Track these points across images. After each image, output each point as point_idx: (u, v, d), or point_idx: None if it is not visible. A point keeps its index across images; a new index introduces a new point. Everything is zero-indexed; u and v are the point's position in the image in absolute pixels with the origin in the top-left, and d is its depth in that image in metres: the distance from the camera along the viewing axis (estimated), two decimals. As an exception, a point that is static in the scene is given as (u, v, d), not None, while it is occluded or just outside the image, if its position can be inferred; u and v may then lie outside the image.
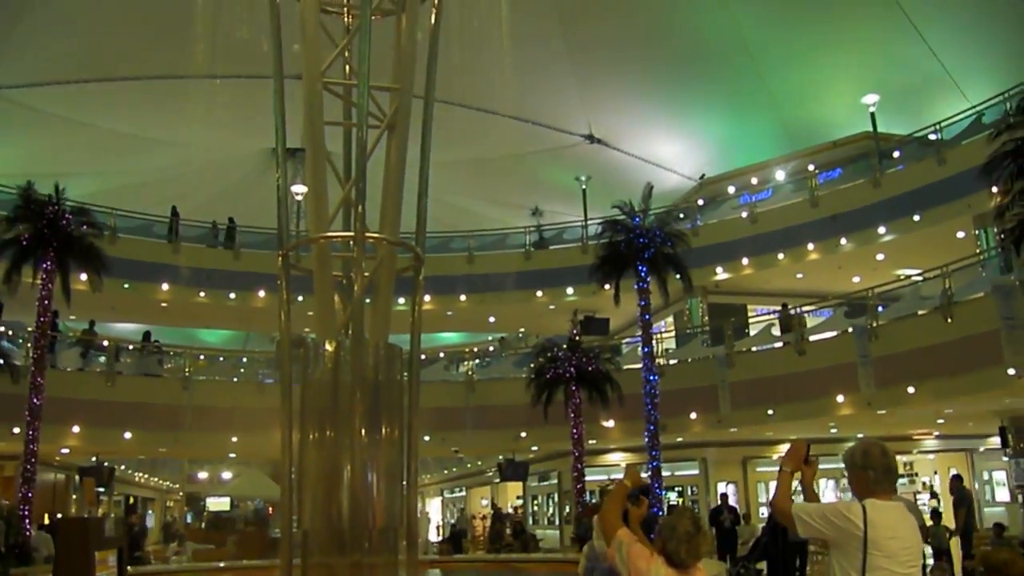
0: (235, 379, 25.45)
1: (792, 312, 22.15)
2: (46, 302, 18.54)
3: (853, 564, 3.67)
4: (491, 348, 36.37)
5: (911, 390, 17.70)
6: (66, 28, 23.96)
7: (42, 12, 22.82)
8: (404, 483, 7.79)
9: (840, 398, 19.34)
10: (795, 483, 4.16)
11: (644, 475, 22.99)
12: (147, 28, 24.77)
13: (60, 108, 26.35)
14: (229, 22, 24.47)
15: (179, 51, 25.45)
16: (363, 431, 7.43)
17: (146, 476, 40.08)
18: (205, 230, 28.03)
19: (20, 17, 22.82)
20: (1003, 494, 25.70)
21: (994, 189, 17.89)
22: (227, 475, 43.50)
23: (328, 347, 7.64)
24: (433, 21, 8.79)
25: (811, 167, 26.12)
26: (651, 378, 20.05)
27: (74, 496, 28.33)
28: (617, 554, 3.87)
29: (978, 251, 20.92)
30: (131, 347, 25.05)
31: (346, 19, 9.13)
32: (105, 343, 23.74)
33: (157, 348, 25.01)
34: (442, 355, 30.08)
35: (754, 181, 28.40)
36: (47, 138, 28.07)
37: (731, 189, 29.15)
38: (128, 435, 21.62)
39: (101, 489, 24.64)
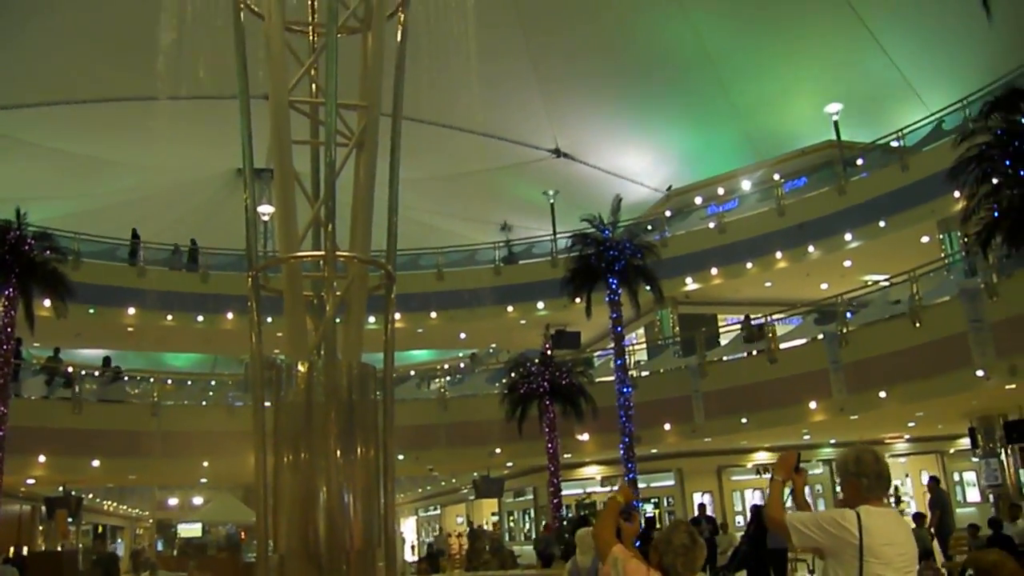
0: (204, 403, 25.11)
1: (757, 322, 22.26)
2: (8, 330, 18.17)
3: (849, 572, 3.65)
4: (462, 364, 36.24)
5: (882, 394, 17.87)
6: (26, 52, 23.65)
7: (1, 37, 22.50)
8: (381, 503, 7.68)
9: (812, 404, 19.48)
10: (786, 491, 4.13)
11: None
12: (108, 49, 24.51)
13: (21, 131, 25.98)
14: (192, 42, 24.37)
15: (141, 72, 25.08)
16: (338, 452, 7.32)
17: (115, 504, 39.39)
18: (170, 253, 27.71)
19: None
20: (974, 494, 25.97)
21: (957, 194, 18.21)
22: (198, 500, 42.82)
23: (301, 368, 7.53)
24: (399, 38, 8.75)
25: (777, 176, 26.37)
26: (625, 390, 20.06)
27: (40, 527, 27.75)
28: (613, 570, 3.82)
29: (943, 255, 21.19)
30: (96, 373, 24.59)
31: (311, 37, 9.07)
32: (70, 369, 23.32)
33: (117, 373, 24.52)
34: (412, 373, 29.88)
35: (720, 191, 28.63)
36: (8, 162, 27.62)
37: (698, 200, 29.33)
38: (96, 463, 21.25)
39: (69, 519, 24.16)
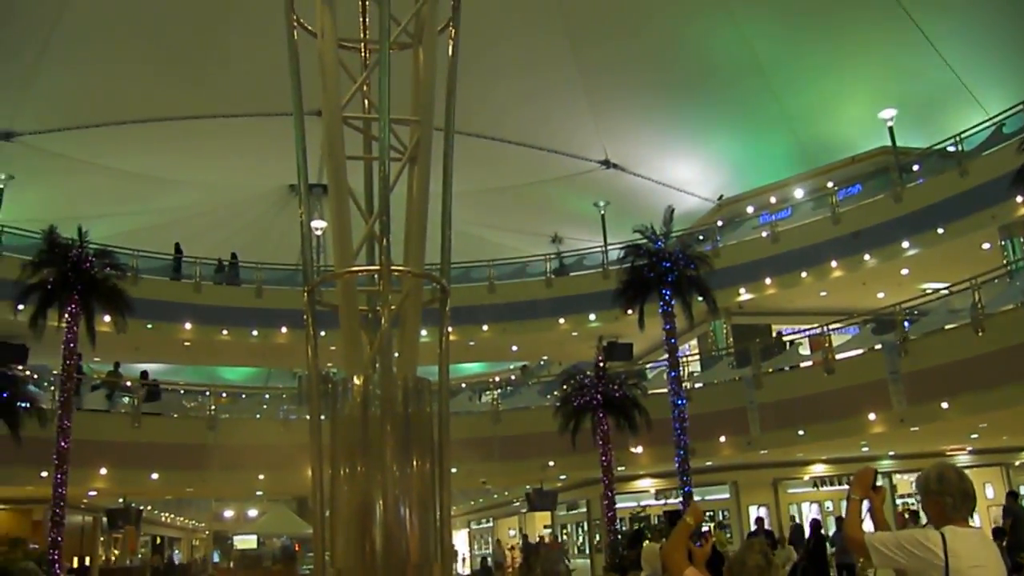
0: (259, 416, 25.42)
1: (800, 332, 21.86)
2: (71, 345, 18.60)
3: None
4: (513, 377, 36.22)
5: (944, 405, 17.45)
6: (82, 73, 24.31)
7: (59, 59, 23.14)
8: (437, 516, 7.68)
9: (871, 416, 19.09)
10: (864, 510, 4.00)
11: (675, 501, 22.75)
12: (163, 69, 25.09)
13: (79, 152, 26.66)
14: (246, 60, 24.81)
15: (196, 91, 25.83)
16: (394, 465, 7.35)
17: (172, 515, 40.05)
18: (213, 268, 28.16)
19: (38, 65, 23.17)
20: (1042, 509, 25.21)
21: (1019, 199, 17.77)
22: (253, 512, 43.38)
23: (356, 381, 7.58)
24: (451, 52, 8.80)
25: (830, 184, 25.99)
26: (679, 402, 19.84)
27: (101, 539, 28.32)
28: None
29: (1006, 262, 20.67)
30: (159, 386, 25.02)
31: (364, 54, 9.16)
32: (128, 383, 23.79)
33: (154, 386, 24.73)
34: (464, 386, 29.93)
35: (773, 200, 28.30)
36: (68, 182, 28.38)
37: (750, 209, 29.03)
38: (155, 476, 21.63)
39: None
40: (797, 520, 24.07)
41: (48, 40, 22.57)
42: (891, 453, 24.61)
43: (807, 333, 23.37)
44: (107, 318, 20.00)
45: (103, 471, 20.81)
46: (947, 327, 18.63)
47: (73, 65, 23.74)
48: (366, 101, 8.72)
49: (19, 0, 21.58)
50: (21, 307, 19.09)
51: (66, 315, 18.54)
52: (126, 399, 23.31)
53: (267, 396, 29.72)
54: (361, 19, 9.33)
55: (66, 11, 21.99)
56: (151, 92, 25.49)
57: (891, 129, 24.67)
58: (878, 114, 24.89)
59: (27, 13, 21.99)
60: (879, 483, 4.03)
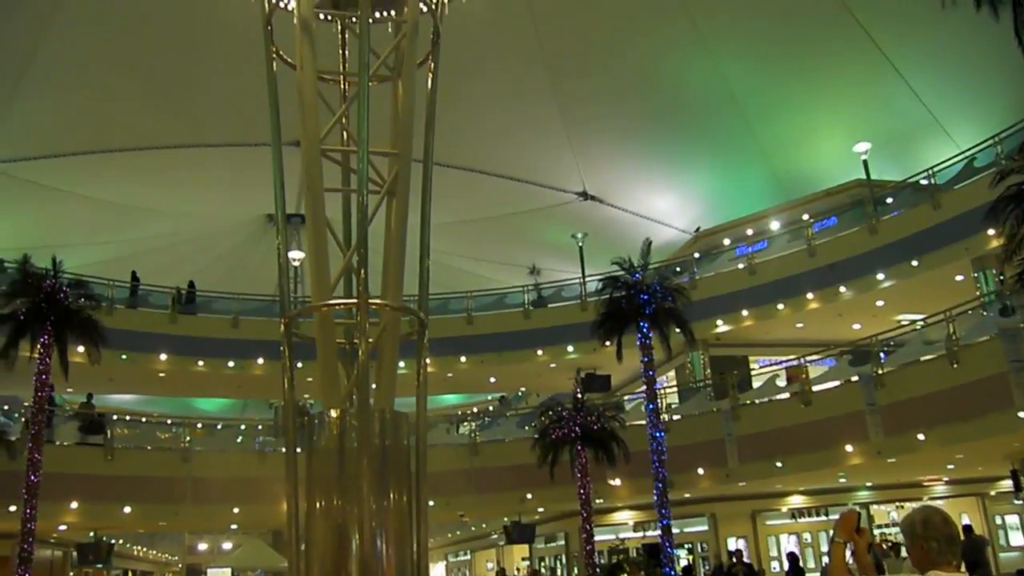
0: (234, 449, 25.10)
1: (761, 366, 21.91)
2: (43, 377, 18.32)
3: None
4: (491, 408, 36.08)
5: (921, 437, 17.51)
6: (59, 102, 24.22)
7: (35, 88, 23.05)
8: (414, 549, 7.61)
9: (849, 448, 19.13)
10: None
11: (653, 533, 22.64)
12: (141, 98, 25.05)
13: (56, 180, 26.50)
14: (224, 90, 24.82)
15: (173, 121, 25.78)
16: (371, 498, 7.31)
17: (145, 549, 39.40)
18: (199, 299, 27.92)
19: (15, 93, 23.05)
20: (1017, 538, 25.33)
21: (991, 232, 18.00)
22: (227, 545, 42.75)
23: (333, 414, 7.54)
24: (429, 86, 8.84)
25: (806, 216, 26.22)
26: (657, 435, 19.80)
27: (71, 574, 27.77)
28: None
29: (979, 294, 20.89)
30: (128, 418, 24.76)
31: (343, 86, 9.18)
32: (106, 416, 23.45)
33: (97, 415, 24.36)
34: (442, 416, 29.78)
35: (749, 232, 28.49)
36: (44, 210, 28.18)
37: (726, 241, 29.20)
38: (128, 509, 21.26)
39: (99, 565, 24.15)
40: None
41: (25, 69, 22.48)
42: (868, 484, 24.68)
43: (784, 364, 23.48)
44: (81, 349, 19.75)
45: (74, 505, 20.44)
46: (923, 359, 18.75)
47: (50, 94, 23.65)
48: (345, 133, 8.75)
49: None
50: (-8, 337, 18.81)
51: (39, 346, 18.28)
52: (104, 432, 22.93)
53: (243, 427, 29.39)
54: (340, 52, 9.38)
55: (42, 41, 21.93)
56: (129, 121, 25.43)
57: (865, 162, 24.98)
58: (852, 147, 25.20)
59: (3, 43, 21.90)
60: (862, 525, 4.01)
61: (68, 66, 23.09)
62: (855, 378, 19.75)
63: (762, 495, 24.70)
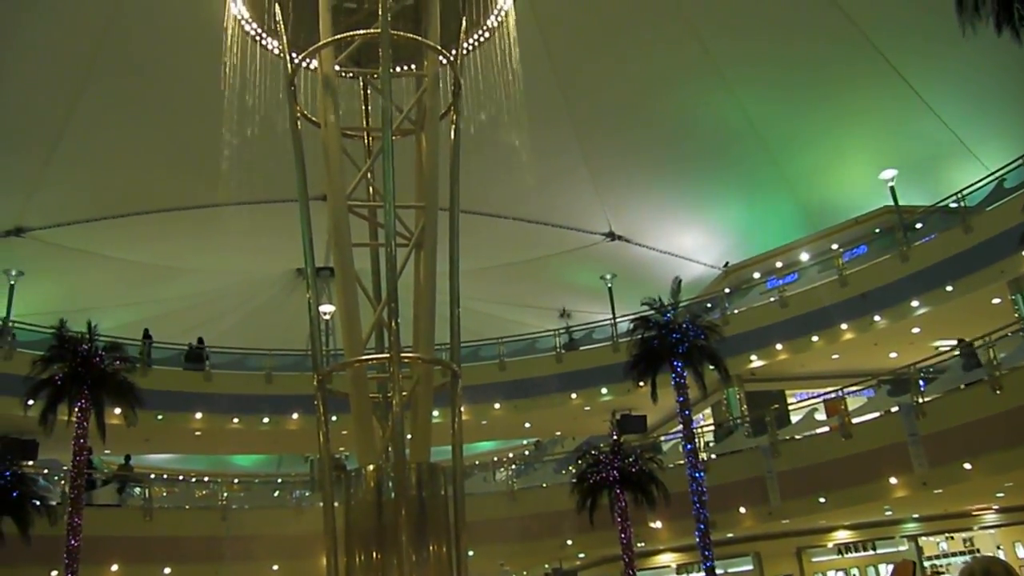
0: (271, 504, 25.09)
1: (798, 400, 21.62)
2: (82, 440, 18.45)
3: None
4: (526, 453, 35.80)
5: (967, 466, 17.15)
6: (90, 168, 24.69)
7: (67, 155, 23.52)
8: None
9: (893, 480, 18.77)
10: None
11: (697, 575, 22.20)
12: (169, 160, 25.47)
13: (88, 244, 26.92)
14: (251, 150, 25.18)
15: (202, 181, 26.14)
16: (411, 550, 7.25)
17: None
18: (233, 356, 28.09)
19: (48, 162, 23.55)
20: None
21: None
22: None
23: (370, 469, 7.51)
24: (452, 136, 8.91)
25: (835, 246, 26.00)
26: (697, 475, 19.52)
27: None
28: None
29: (1017, 316, 20.54)
30: (165, 476, 24.83)
31: (367, 140, 9.30)
32: (146, 477, 23.57)
33: (128, 473, 24.45)
34: (477, 463, 29.59)
35: (779, 265, 28.30)
36: (77, 274, 28.59)
37: (756, 275, 29.01)
38: (168, 570, 21.25)
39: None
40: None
41: (57, 141, 22.99)
42: (915, 516, 24.10)
43: (822, 397, 23.15)
44: (117, 411, 19.90)
45: (115, 568, 20.46)
46: (963, 386, 18.41)
47: (80, 162, 24.11)
48: (370, 188, 8.83)
49: (30, 100, 22.03)
50: (31, 402, 19.01)
51: (76, 410, 18.44)
52: (137, 490, 23.08)
53: (279, 482, 29.41)
54: (363, 107, 9.51)
55: (74, 110, 22.43)
56: (158, 183, 25.85)
57: (892, 189, 24.79)
58: (878, 174, 25.03)
59: (37, 112, 22.45)
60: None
61: (97, 135, 23.57)
62: (895, 408, 19.42)
63: (807, 531, 24.19)
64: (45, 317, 22.03)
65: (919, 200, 25.08)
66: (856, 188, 27.23)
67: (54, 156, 23.44)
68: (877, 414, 20.59)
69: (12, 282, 25.95)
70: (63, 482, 20.24)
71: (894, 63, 23.70)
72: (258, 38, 9.78)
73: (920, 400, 18.68)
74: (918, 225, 24.24)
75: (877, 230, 26.07)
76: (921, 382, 19.52)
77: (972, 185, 22.15)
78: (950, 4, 11.75)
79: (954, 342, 21.29)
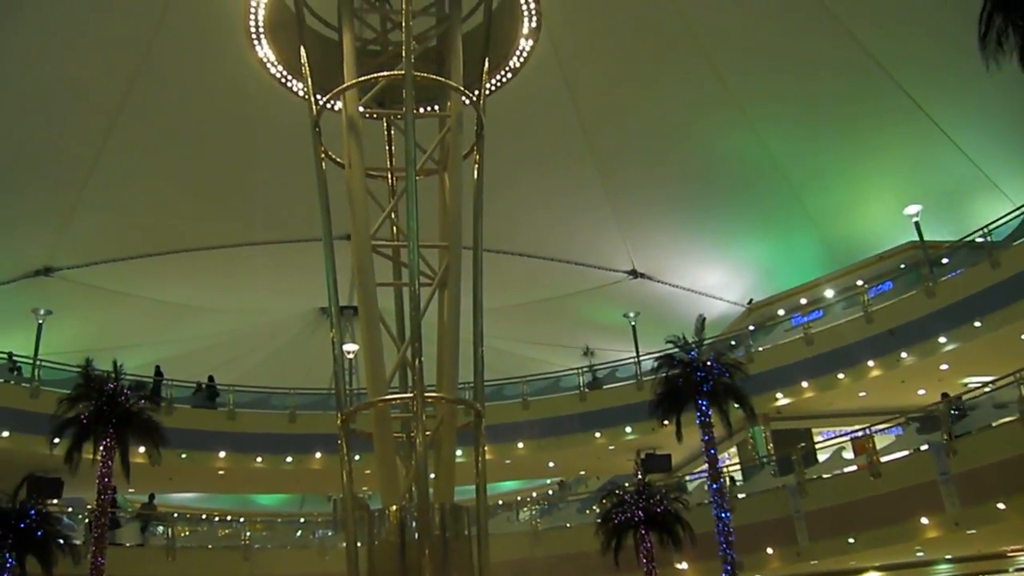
0: (294, 544, 24.99)
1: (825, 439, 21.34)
2: (106, 479, 18.50)
3: None
4: (550, 492, 35.51)
5: (1001, 506, 16.78)
6: (118, 209, 25.01)
7: (95, 196, 23.85)
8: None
9: (924, 520, 18.41)
10: None
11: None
12: (196, 201, 25.80)
13: (115, 283, 27.21)
14: (275, 190, 25.47)
15: (226, 221, 26.47)
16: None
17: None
18: (256, 395, 28.16)
19: (77, 202, 23.89)
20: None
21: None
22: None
23: (393, 509, 7.46)
24: (476, 176, 8.96)
25: (860, 282, 25.80)
26: (723, 515, 19.24)
27: None
28: None
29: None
30: (188, 515, 24.81)
31: (390, 180, 9.36)
32: (169, 516, 23.57)
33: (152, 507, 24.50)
34: (500, 502, 29.36)
35: (803, 302, 28.10)
36: (104, 313, 28.88)
37: (781, 312, 28.81)
38: (191, 611, 21.16)
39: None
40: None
41: (87, 179, 23.35)
42: (948, 557, 23.58)
43: (849, 436, 22.83)
44: (141, 449, 19.96)
45: (138, 608, 20.41)
46: (995, 423, 18.10)
47: (107, 203, 24.45)
48: (394, 227, 8.88)
49: (60, 141, 22.42)
50: (57, 441, 19.11)
51: (101, 449, 18.50)
52: (160, 529, 23.08)
53: (302, 521, 29.31)
54: (387, 148, 9.59)
55: (104, 151, 22.79)
56: (184, 223, 26.15)
57: (917, 224, 24.63)
58: (903, 210, 24.89)
59: (67, 153, 22.84)
60: None
61: (125, 175, 23.93)
62: (924, 447, 19.12)
63: (836, 573, 23.66)
64: (72, 356, 22.24)
65: (944, 235, 24.89)
66: (880, 224, 27.08)
67: (83, 196, 23.79)
68: (906, 452, 20.27)
69: (40, 321, 26.23)
70: (87, 521, 20.26)
71: (916, 98, 23.65)
72: (284, 81, 9.91)
73: (951, 437, 18.37)
74: (944, 260, 24.04)
75: (902, 266, 25.88)
76: (952, 419, 19.21)
77: (999, 219, 21.99)
78: (971, 39, 11.76)
79: (984, 378, 21.01)
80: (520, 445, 27.51)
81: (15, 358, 24.22)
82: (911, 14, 21.83)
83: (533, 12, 9.14)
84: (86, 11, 19.81)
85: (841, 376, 24.33)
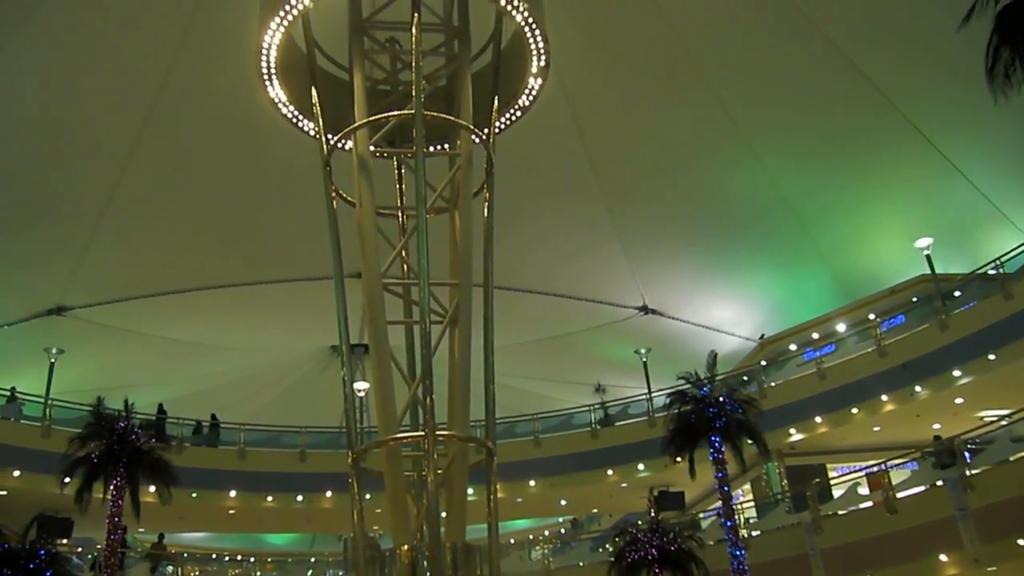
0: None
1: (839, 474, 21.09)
2: (116, 519, 18.44)
3: None
4: (562, 531, 35.18)
5: (1021, 542, 16.52)
6: (129, 248, 25.16)
7: (107, 236, 24.01)
8: None
9: (943, 557, 18.15)
10: None
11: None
12: (206, 240, 25.92)
13: (127, 322, 27.30)
14: (286, 228, 25.60)
15: (237, 260, 26.57)
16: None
17: None
18: (267, 434, 28.08)
19: (89, 242, 24.05)
20: None
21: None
22: None
23: (404, 549, 7.39)
24: (486, 214, 8.99)
25: (871, 316, 25.68)
26: (737, 553, 19.03)
27: None
28: None
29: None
30: (198, 555, 24.65)
31: (401, 219, 9.40)
32: (179, 556, 23.42)
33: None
34: (512, 541, 29.08)
35: (815, 336, 27.98)
36: (115, 352, 28.93)
37: (792, 347, 28.68)
38: (200, 653, 20.94)
39: None
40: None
41: (100, 218, 23.52)
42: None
43: (864, 471, 22.59)
44: (152, 488, 19.90)
45: (147, 650, 20.21)
46: (1012, 458, 17.89)
47: (121, 240, 24.60)
48: (405, 266, 8.90)
49: (73, 181, 22.62)
50: (67, 480, 19.08)
51: (111, 488, 18.46)
52: (170, 568, 22.94)
53: (313, 561, 29.10)
54: (397, 186, 9.64)
55: (117, 191, 22.98)
56: (196, 262, 26.26)
57: (928, 257, 24.56)
58: (913, 243, 24.86)
59: (81, 193, 23.03)
60: None
61: (137, 214, 24.09)
62: (940, 482, 18.90)
63: (854, 611, 23.40)
64: (83, 395, 22.27)
65: (956, 268, 24.80)
66: (891, 257, 27.01)
67: (96, 235, 23.96)
68: (923, 488, 20.04)
69: (52, 360, 26.32)
70: (97, 560, 20.14)
71: (925, 132, 23.67)
72: (295, 120, 10.00)
73: (968, 472, 18.16)
74: (956, 293, 23.93)
75: (914, 299, 25.77)
76: (967, 454, 19.00)
77: (1011, 251, 21.91)
78: (979, 72, 11.80)
79: (1000, 412, 20.80)
80: (532, 483, 27.31)
81: (17, 395, 24.26)
82: (919, 48, 21.91)
83: (542, 51, 9.22)
84: (100, 52, 20.11)
85: (855, 411, 24.13)
